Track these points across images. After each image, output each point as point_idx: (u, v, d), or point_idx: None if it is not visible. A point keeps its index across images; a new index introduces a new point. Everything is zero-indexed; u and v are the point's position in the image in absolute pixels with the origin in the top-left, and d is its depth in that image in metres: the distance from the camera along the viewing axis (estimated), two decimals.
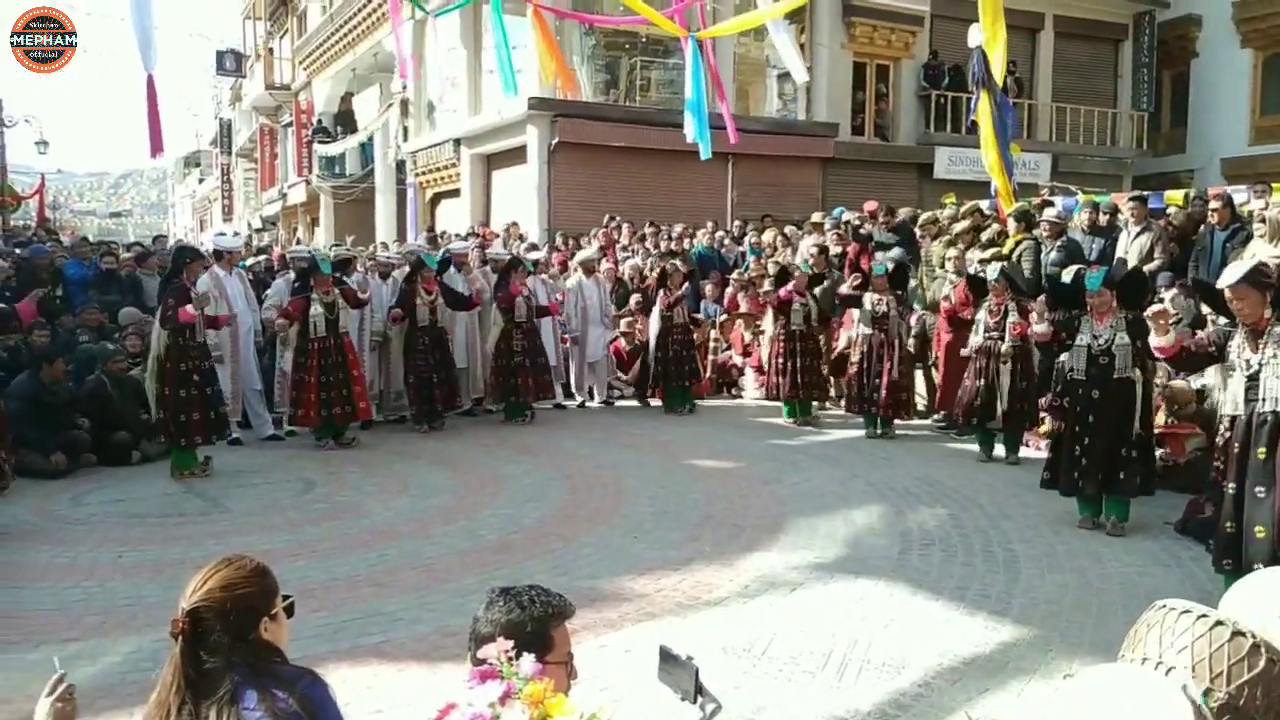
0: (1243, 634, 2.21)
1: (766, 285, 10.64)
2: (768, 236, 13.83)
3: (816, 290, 10.24)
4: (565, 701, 1.79)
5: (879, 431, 9.50)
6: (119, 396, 8.69)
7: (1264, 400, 4.63)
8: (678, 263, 11.62)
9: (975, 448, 8.63)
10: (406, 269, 10.32)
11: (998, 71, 8.93)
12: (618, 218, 15.99)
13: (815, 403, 10.43)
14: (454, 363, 10.16)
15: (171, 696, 1.99)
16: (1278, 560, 4.44)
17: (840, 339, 11.10)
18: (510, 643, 1.88)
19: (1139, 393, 6.18)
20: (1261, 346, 4.66)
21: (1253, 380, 4.68)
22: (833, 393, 11.01)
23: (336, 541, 6.24)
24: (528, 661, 1.83)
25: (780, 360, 10.09)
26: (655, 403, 11.36)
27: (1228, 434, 4.87)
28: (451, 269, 10.43)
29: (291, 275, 9.84)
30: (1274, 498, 4.54)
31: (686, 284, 11.52)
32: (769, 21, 12.65)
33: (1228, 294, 4.70)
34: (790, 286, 10.05)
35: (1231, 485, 4.75)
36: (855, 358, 9.58)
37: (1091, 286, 6.24)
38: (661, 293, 10.98)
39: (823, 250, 10.95)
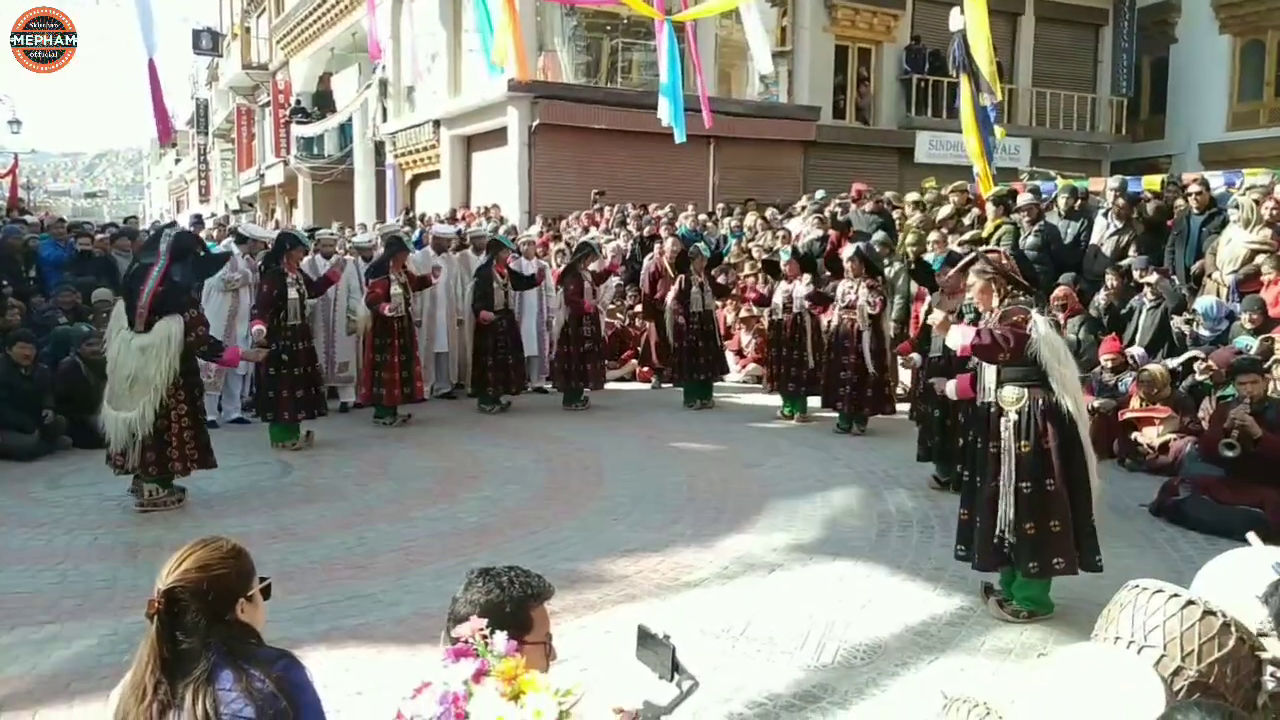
0: (1213, 613, 2.25)
1: (752, 279, 10.37)
2: (749, 220, 13.84)
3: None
4: (538, 679, 1.80)
5: (848, 426, 8.84)
6: (94, 379, 8.60)
7: (983, 390, 4.66)
8: (700, 245, 11.09)
9: None
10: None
11: (985, 60, 8.89)
12: (605, 193, 15.92)
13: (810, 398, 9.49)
14: (522, 347, 10.29)
15: (147, 677, 1.99)
16: (988, 549, 4.51)
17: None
18: (485, 621, 1.89)
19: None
20: None
21: (977, 367, 4.72)
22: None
23: (315, 524, 6.22)
24: (501, 639, 1.84)
25: (774, 350, 9.65)
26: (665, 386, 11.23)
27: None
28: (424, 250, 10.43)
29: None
30: (986, 487, 4.55)
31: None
32: (741, 6, 12.62)
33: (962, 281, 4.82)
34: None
35: (965, 473, 4.85)
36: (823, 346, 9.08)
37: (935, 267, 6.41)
38: (683, 277, 10.22)
39: (768, 266, 10.20)
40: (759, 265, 11.68)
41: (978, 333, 4.38)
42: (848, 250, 9.12)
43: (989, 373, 4.57)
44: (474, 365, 10.05)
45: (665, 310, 10.69)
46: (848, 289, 8.71)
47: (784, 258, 9.71)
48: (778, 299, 9.49)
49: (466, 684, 1.78)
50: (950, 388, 5.08)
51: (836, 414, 9.03)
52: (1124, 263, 9.48)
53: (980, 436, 4.62)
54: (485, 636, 1.85)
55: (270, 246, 8.91)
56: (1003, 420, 4.46)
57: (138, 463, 6.34)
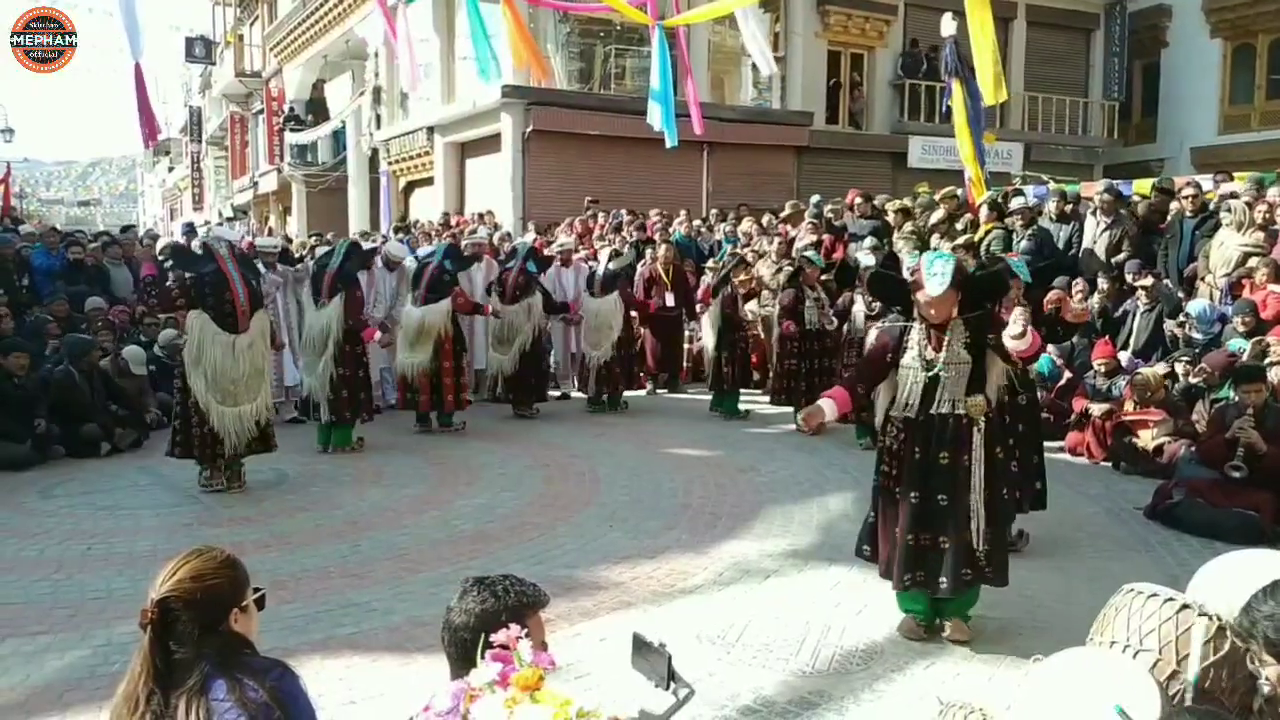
0: (1208, 617, 2.25)
1: (777, 298, 9.78)
2: (744, 225, 13.84)
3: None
4: (554, 694, 1.80)
5: (871, 443, 8.26)
6: (87, 388, 8.58)
7: (942, 401, 4.26)
8: (812, 255, 10.85)
9: None
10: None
11: (989, 62, 8.82)
12: (599, 200, 15.92)
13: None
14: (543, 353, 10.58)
15: (140, 687, 1.98)
16: (959, 570, 4.20)
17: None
18: (523, 629, 1.90)
19: None
20: (945, 345, 4.24)
21: (933, 380, 4.26)
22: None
23: (309, 532, 6.20)
24: (526, 646, 1.85)
25: (792, 362, 9.12)
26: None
27: (900, 437, 4.37)
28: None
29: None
30: (959, 504, 4.23)
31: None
32: (737, 11, 12.63)
33: (923, 301, 4.25)
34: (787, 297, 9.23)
35: (914, 494, 4.29)
36: (847, 360, 8.48)
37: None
38: (791, 291, 9.52)
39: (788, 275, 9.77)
40: (753, 270, 11.68)
41: (1034, 334, 4.20)
42: (869, 264, 8.52)
43: (956, 383, 4.24)
44: (515, 374, 10.02)
45: (771, 323, 9.98)
46: (870, 300, 8.20)
47: (816, 262, 9.25)
48: (811, 308, 9.01)
49: (490, 685, 1.79)
50: (829, 409, 4.43)
51: (854, 425, 8.40)
52: (1118, 259, 9.50)
53: (948, 451, 4.26)
54: (519, 639, 1.86)
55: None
56: (974, 430, 4.23)
57: (243, 449, 7.06)
